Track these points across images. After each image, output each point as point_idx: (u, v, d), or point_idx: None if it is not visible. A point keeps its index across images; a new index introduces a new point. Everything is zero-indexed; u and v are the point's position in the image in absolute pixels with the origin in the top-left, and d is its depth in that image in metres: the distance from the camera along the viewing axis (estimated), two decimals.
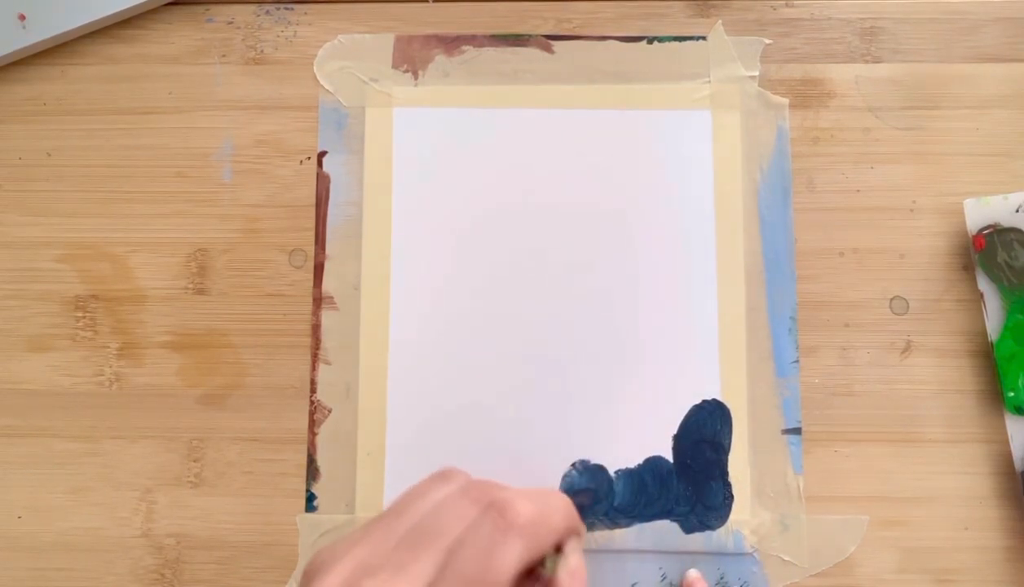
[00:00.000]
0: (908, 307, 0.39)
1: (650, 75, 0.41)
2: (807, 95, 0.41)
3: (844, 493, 0.38)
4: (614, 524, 0.37)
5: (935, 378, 0.39)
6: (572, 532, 0.27)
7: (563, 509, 0.27)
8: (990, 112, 0.40)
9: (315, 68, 0.41)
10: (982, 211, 0.38)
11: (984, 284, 0.38)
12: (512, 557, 0.24)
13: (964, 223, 0.39)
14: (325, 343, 0.39)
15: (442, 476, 0.28)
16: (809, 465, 0.38)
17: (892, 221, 0.40)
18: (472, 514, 0.25)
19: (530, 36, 0.41)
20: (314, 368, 0.39)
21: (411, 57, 0.41)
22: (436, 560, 0.24)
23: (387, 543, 0.25)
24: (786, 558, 0.37)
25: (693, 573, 0.37)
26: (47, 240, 0.40)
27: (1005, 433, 0.38)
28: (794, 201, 0.40)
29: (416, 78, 0.41)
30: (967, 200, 0.39)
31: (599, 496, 0.37)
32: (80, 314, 0.40)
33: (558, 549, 0.27)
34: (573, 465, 0.37)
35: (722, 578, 0.37)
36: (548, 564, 0.26)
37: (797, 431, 0.38)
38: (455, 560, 0.24)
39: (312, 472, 0.38)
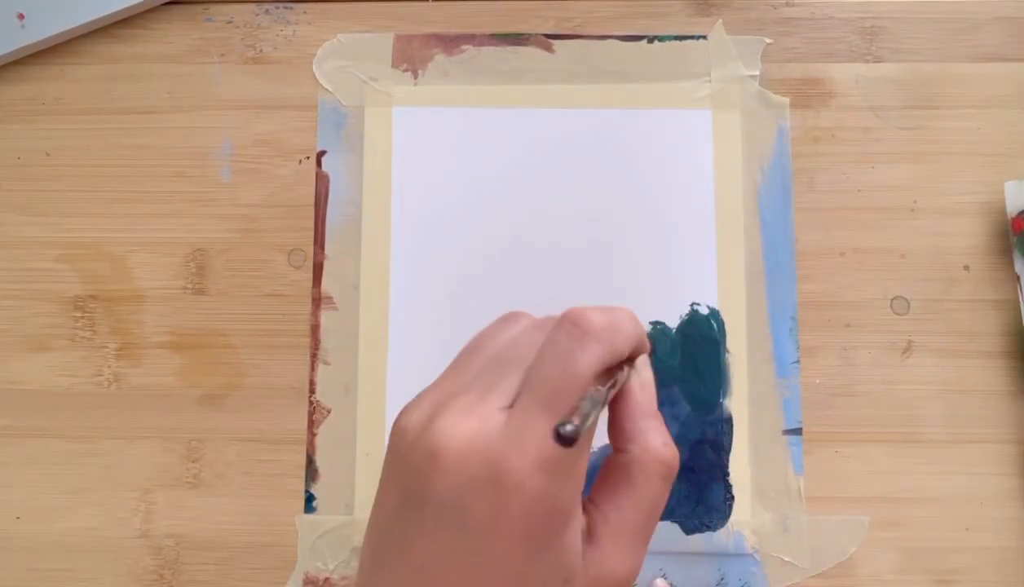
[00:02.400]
0: (909, 307, 0.39)
1: (650, 74, 0.41)
2: (808, 95, 0.41)
3: (845, 494, 0.38)
4: None
5: (936, 378, 0.38)
6: (643, 345, 0.28)
7: (633, 319, 0.27)
8: (990, 112, 0.40)
9: (314, 67, 0.41)
10: (1022, 194, 0.38)
11: (1021, 267, 0.38)
12: (592, 357, 0.24)
13: (964, 223, 0.39)
14: (324, 343, 0.39)
15: (509, 318, 0.29)
16: (810, 466, 0.38)
17: (892, 221, 0.40)
18: (545, 338, 0.26)
19: (530, 35, 0.41)
20: (313, 368, 0.39)
21: (411, 56, 0.41)
22: (519, 378, 0.25)
23: (467, 375, 0.26)
24: (787, 559, 0.37)
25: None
26: (46, 240, 0.40)
27: (1006, 433, 0.38)
28: (794, 201, 0.40)
29: (416, 77, 0.41)
30: (1008, 182, 0.38)
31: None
32: (79, 314, 0.40)
33: (630, 362, 0.27)
34: None
35: (722, 579, 0.37)
36: (623, 374, 0.27)
37: (798, 431, 0.38)
38: (536, 371, 0.24)
39: (311, 473, 0.38)
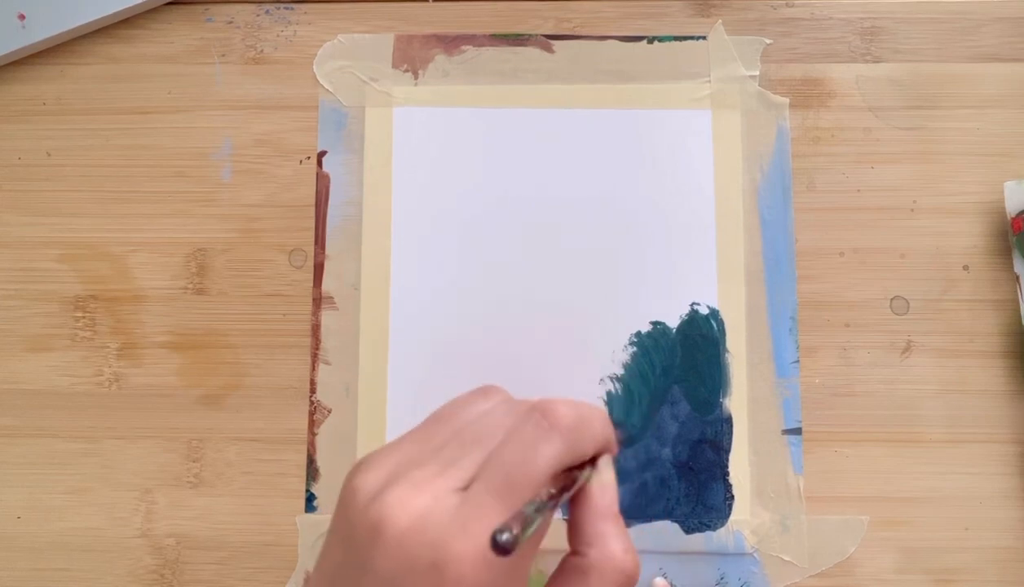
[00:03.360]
0: (908, 307, 0.39)
1: (650, 75, 0.41)
2: (807, 95, 0.41)
3: (844, 493, 0.38)
4: None
5: (935, 378, 0.39)
6: (608, 446, 0.28)
7: (602, 419, 0.27)
8: (990, 112, 0.40)
9: (315, 68, 0.41)
10: (1022, 194, 0.38)
11: (1020, 267, 0.38)
12: (553, 453, 0.24)
13: (964, 223, 0.39)
14: (325, 343, 0.39)
15: (482, 391, 0.28)
16: (809, 465, 0.38)
17: (892, 221, 0.40)
18: (512, 420, 0.26)
19: (530, 36, 0.41)
20: (314, 368, 0.39)
21: (411, 57, 0.41)
22: (479, 460, 0.24)
23: (429, 445, 0.26)
24: (786, 558, 0.37)
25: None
26: (47, 240, 0.40)
27: (1006, 433, 0.38)
28: (794, 201, 0.40)
29: (416, 78, 0.41)
30: (1007, 182, 0.39)
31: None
32: (79, 314, 0.40)
33: (592, 463, 0.27)
34: None
35: (722, 578, 0.37)
36: (583, 475, 0.26)
37: (797, 431, 0.38)
38: (496, 458, 0.24)
39: (312, 472, 0.38)
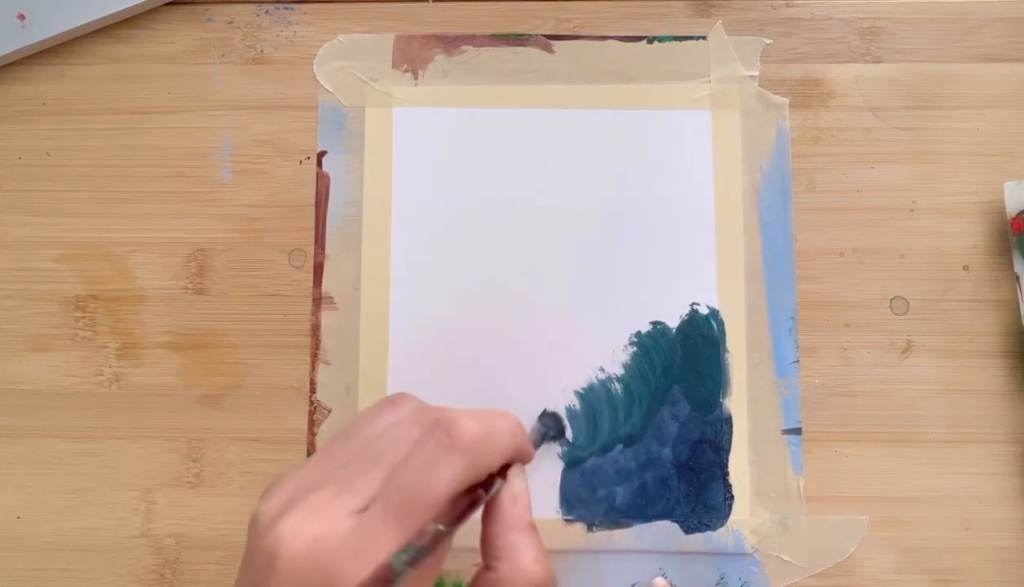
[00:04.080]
0: (908, 307, 0.39)
1: (650, 75, 0.41)
2: (807, 95, 0.41)
3: (844, 493, 0.38)
4: (614, 524, 0.37)
5: (935, 378, 0.39)
6: (519, 455, 0.27)
7: (510, 430, 0.26)
8: (990, 112, 0.40)
9: (315, 68, 0.41)
10: (1022, 194, 0.38)
11: (1020, 267, 0.38)
12: (452, 474, 0.24)
13: (964, 223, 0.39)
14: (325, 343, 0.39)
15: (390, 402, 0.28)
16: (809, 465, 0.38)
17: (892, 221, 0.40)
18: (416, 434, 0.25)
19: (530, 36, 0.41)
20: (314, 368, 0.39)
21: (411, 57, 0.41)
22: (380, 478, 0.24)
23: (332, 463, 0.25)
24: (786, 558, 0.37)
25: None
26: (47, 240, 0.40)
27: (1005, 433, 0.38)
28: (794, 201, 0.40)
29: (416, 78, 0.41)
30: (1007, 183, 0.39)
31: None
32: (80, 314, 0.40)
33: (503, 474, 0.27)
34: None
35: (722, 578, 0.37)
36: (493, 489, 0.26)
37: (797, 431, 0.38)
38: (395, 478, 0.24)
39: None
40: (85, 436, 0.39)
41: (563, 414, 0.38)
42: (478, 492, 0.25)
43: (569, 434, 0.38)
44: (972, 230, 0.40)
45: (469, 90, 0.41)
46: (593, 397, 0.38)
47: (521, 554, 0.25)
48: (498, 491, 0.26)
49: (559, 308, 0.39)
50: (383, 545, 0.22)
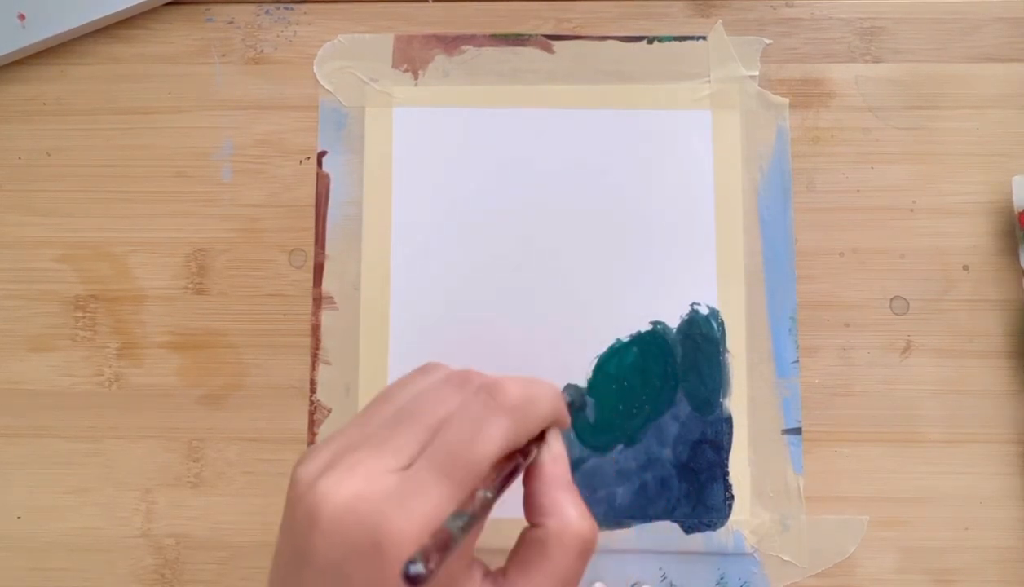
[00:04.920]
0: (908, 307, 0.39)
1: (650, 75, 0.41)
2: (807, 95, 0.41)
3: (844, 493, 0.38)
4: (615, 524, 0.37)
5: (935, 378, 0.39)
6: (558, 421, 0.27)
7: (551, 396, 0.27)
8: (990, 112, 0.40)
9: (315, 68, 0.41)
10: None
11: None
12: (498, 435, 0.24)
13: (964, 223, 0.39)
14: (325, 343, 0.39)
15: (425, 369, 0.28)
16: (809, 465, 0.38)
17: (892, 221, 0.40)
18: (456, 398, 0.25)
19: (530, 36, 0.41)
20: (314, 368, 0.39)
21: (411, 57, 0.41)
22: (419, 437, 0.24)
23: (370, 426, 0.25)
24: (786, 558, 0.37)
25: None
26: (47, 240, 0.40)
27: (1005, 433, 0.38)
28: (794, 201, 0.40)
29: (416, 78, 0.41)
30: (1015, 177, 0.39)
31: (586, 401, 0.37)
32: (80, 314, 0.40)
33: (541, 438, 0.27)
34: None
35: (722, 578, 0.37)
36: (531, 455, 0.26)
37: (797, 431, 0.38)
38: (440, 436, 0.24)
39: None
40: (85, 436, 0.39)
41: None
42: (518, 458, 0.25)
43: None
44: (972, 230, 0.40)
45: (469, 90, 0.41)
46: (593, 396, 0.38)
47: (567, 509, 0.25)
48: (536, 456, 0.26)
49: (559, 308, 0.39)
50: (430, 500, 0.22)
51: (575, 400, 0.34)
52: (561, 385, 0.38)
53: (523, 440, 0.25)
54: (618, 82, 0.41)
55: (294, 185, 0.41)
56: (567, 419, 0.28)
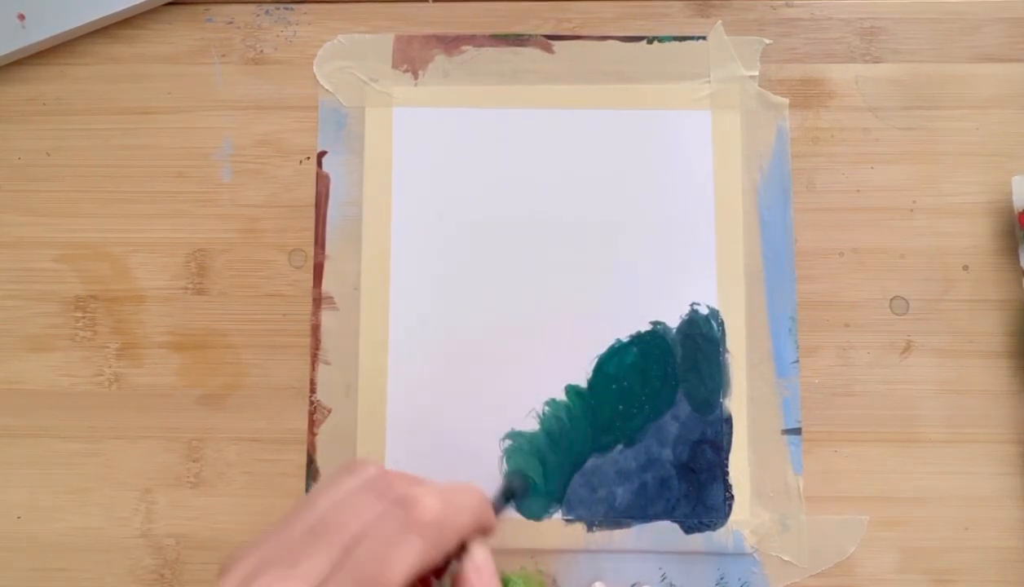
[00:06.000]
0: (908, 307, 0.39)
1: (650, 75, 0.41)
2: (807, 95, 0.41)
3: (844, 493, 0.38)
4: (615, 524, 0.37)
5: (935, 378, 0.39)
6: (481, 530, 0.27)
7: (473, 507, 0.26)
8: (990, 112, 0.40)
9: (315, 68, 0.41)
10: None
11: None
12: (411, 558, 0.23)
13: (964, 223, 0.39)
14: (325, 343, 0.39)
15: (349, 468, 0.28)
16: (809, 465, 0.38)
17: (892, 221, 0.40)
18: (375, 509, 0.25)
19: (530, 36, 0.41)
20: (314, 368, 0.39)
21: (411, 57, 0.41)
22: (332, 556, 0.24)
23: (288, 538, 0.25)
24: (786, 558, 0.37)
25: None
26: (47, 240, 0.40)
27: (1005, 433, 0.38)
28: (794, 201, 0.40)
29: (416, 78, 0.41)
30: (1015, 177, 0.39)
31: (528, 487, 0.37)
32: (79, 314, 0.40)
33: (463, 548, 0.27)
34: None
35: (722, 578, 0.37)
36: (449, 570, 0.26)
37: (797, 431, 0.38)
38: (352, 556, 0.23)
39: (312, 472, 0.38)
40: (85, 436, 0.39)
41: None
42: (431, 580, 0.25)
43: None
44: (972, 230, 0.40)
45: (469, 90, 0.41)
46: (592, 396, 0.38)
47: None
48: (453, 572, 0.26)
49: (559, 307, 0.39)
50: None
51: (515, 489, 0.33)
52: (562, 385, 0.38)
53: (439, 557, 0.25)
54: (618, 82, 0.41)
55: (294, 185, 0.41)
56: (492, 525, 0.28)
